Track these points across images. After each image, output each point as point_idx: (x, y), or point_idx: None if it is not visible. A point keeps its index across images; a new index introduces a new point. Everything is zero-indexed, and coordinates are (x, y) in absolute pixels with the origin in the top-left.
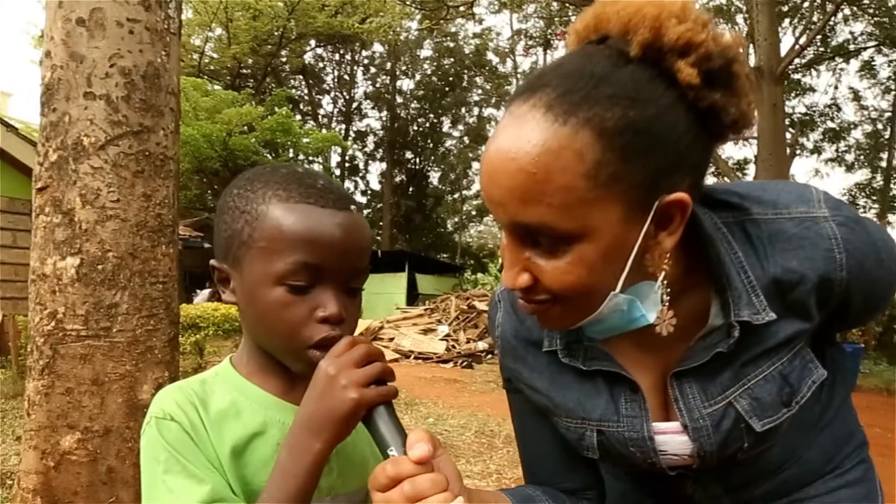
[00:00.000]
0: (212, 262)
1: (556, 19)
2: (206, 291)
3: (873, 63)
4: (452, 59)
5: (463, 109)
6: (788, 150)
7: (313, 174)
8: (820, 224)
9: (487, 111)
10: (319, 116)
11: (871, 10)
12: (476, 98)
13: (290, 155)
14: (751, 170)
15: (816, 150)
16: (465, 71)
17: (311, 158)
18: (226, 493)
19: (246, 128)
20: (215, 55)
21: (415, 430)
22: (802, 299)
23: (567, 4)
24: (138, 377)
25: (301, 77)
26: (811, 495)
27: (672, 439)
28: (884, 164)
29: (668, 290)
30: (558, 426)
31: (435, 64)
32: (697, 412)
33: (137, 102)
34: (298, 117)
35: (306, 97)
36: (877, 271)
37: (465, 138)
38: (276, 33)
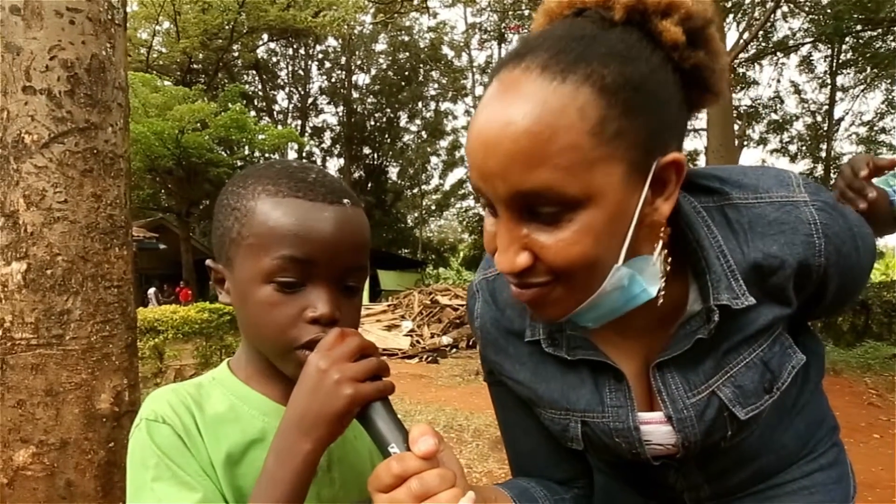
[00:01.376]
0: (207, 262)
1: (509, 13)
2: (151, 291)
3: (811, 58)
4: (408, 54)
5: (420, 104)
6: (737, 142)
7: (307, 168)
8: (800, 208)
9: (444, 105)
10: (274, 112)
11: (807, 8)
12: (432, 92)
13: (246, 152)
14: (701, 160)
15: (762, 141)
16: (421, 65)
17: (267, 155)
18: (218, 502)
19: (199, 125)
20: (164, 50)
21: (416, 424)
22: (782, 284)
23: None
24: (95, 386)
25: (254, 72)
26: (787, 479)
27: (656, 429)
28: (824, 154)
29: (669, 259)
30: (542, 417)
31: (390, 58)
32: (681, 402)
33: (82, 98)
34: (253, 113)
35: (260, 93)
36: (853, 258)
37: (423, 133)
38: (226, 27)
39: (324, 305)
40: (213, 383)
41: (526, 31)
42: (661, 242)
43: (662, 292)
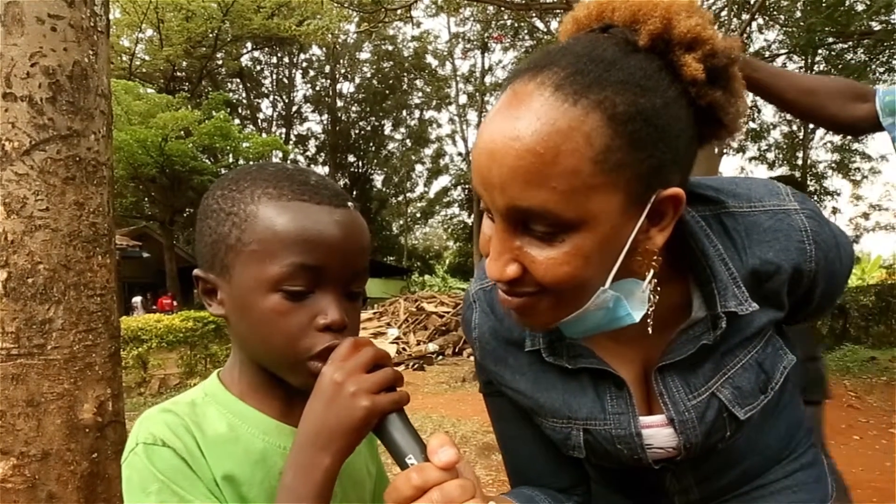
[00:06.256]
0: (195, 271)
1: (492, 23)
2: (137, 299)
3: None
4: (392, 62)
5: (404, 112)
6: (717, 149)
7: (304, 171)
8: (792, 216)
9: (428, 114)
10: (259, 120)
11: (781, 20)
12: (417, 101)
13: (230, 160)
14: None
15: (741, 149)
16: (405, 74)
17: (251, 163)
18: None
19: (182, 132)
20: (147, 57)
21: (435, 435)
22: (777, 289)
23: (503, 9)
24: (78, 396)
25: (238, 80)
26: (771, 480)
27: (658, 433)
28: (800, 161)
29: (658, 288)
30: (543, 427)
31: (374, 67)
32: (682, 405)
33: (64, 105)
34: (237, 121)
35: (244, 101)
36: (837, 264)
37: (408, 141)
38: (210, 35)
39: (334, 312)
40: (206, 400)
41: (509, 40)
42: (652, 271)
43: (651, 317)
